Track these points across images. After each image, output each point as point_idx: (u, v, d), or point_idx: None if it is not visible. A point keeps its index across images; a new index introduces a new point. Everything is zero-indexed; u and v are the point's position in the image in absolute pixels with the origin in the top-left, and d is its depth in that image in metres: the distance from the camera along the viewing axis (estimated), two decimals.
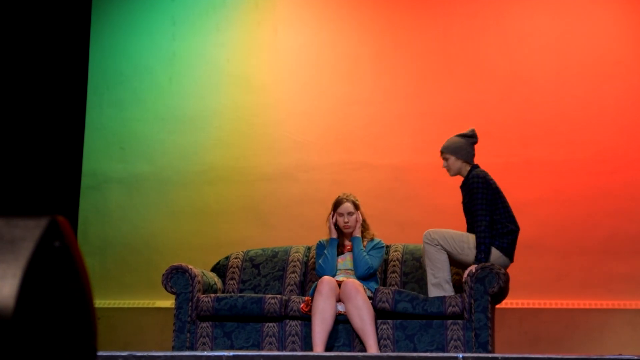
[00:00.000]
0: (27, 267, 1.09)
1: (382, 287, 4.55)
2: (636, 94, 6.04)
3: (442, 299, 4.42)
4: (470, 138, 4.71)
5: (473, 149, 4.72)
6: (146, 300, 6.18)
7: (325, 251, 4.81)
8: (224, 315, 4.60)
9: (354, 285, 4.46)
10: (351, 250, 4.82)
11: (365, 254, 4.74)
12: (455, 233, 4.56)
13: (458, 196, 4.88)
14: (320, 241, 4.94)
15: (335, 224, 4.85)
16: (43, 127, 6.40)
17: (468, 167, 4.67)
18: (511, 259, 4.58)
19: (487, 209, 4.50)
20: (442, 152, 4.71)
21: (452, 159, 4.66)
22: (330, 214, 4.88)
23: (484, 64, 6.23)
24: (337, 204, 4.87)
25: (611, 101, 6.05)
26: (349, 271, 4.77)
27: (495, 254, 4.51)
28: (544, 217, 5.93)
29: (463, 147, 4.66)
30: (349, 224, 4.82)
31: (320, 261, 4.79)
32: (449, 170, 4.71)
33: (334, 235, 4.83)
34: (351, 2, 6.49)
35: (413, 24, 6.37)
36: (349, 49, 6.42)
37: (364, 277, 4.68)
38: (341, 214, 4.83)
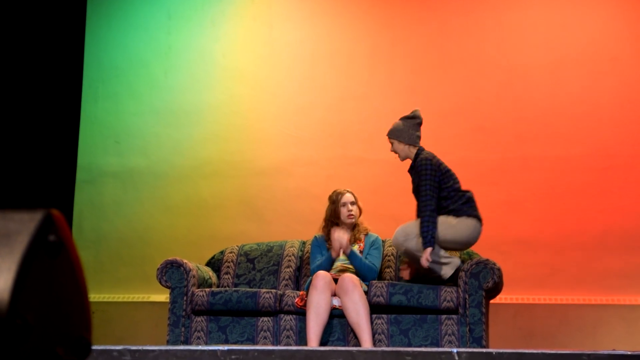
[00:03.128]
0: (22, 261, 1.09)
1: (375, 282, 4.54)
2: (632, 90, 6.05)
3: (436, 292, 4.42)
4: (413, 119, 4.61)
5: (418, 130, 4.61)
6: (141, 295, 6.17)
7: (321, 260, 4.72)
8: (219, 309, 4.60)
9: (351, 279, 4.45)
10: None
11: (365, 259, 4.71)
12: (407, 228, 4.49)
13: None
14: (315, 237, 4.92)
15: (334, 220, 4.84)
16: (38, 120, 6.39)
17: (414, 150, 4.58)
18: (480, 221, 4.48)
19: (433, 194, 4.39)
20: (388, 138, 4.64)
21: (395, 142, 4.58)
22: (331, 228, 4.79)
23: (480, 60, 6.23)
24: (338, 195, 4.87)
25: (607, 98, 6.06)
26: (346, 265, 4.76)
27: (469, 223, 4.43)
28: (539, 212, 5.94)
29: (405, 129, 4.57)
30: (352, 213, 4.82)
31: (314, 267, 4.72)
32: (398, 155, 4.63)
33: (335, 255, 4.71)
34: None
35: (409, 19, 6.37)
36: (345, 43, 6.41)
37: (372, 279, 4.64)
38: (344, 204, 4.83)
